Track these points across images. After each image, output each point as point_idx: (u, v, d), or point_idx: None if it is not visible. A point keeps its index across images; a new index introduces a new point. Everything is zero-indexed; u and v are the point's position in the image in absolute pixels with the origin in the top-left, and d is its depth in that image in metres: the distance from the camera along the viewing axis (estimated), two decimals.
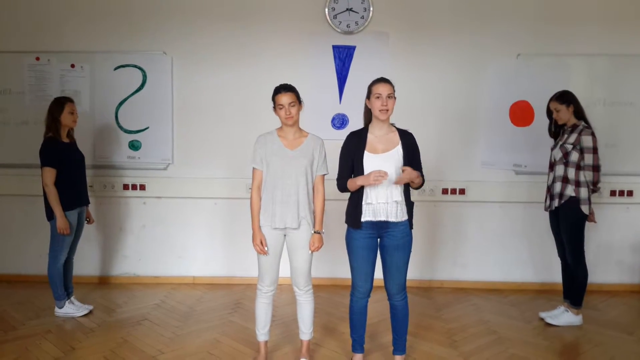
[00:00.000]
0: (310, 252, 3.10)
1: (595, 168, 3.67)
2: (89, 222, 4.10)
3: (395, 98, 2.99)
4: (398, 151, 2.98)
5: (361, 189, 2.98)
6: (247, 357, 3.33)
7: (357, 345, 3.21)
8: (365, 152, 2.97)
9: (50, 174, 3.72)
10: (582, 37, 4.42)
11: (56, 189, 3.73)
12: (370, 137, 3.01)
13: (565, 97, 3.75)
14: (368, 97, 3.01)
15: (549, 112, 3.84)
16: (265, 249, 3.06)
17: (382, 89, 2.94)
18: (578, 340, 3.63)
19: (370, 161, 2.95)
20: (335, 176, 3.07)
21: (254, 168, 3.11)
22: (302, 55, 4.49)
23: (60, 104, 3.81)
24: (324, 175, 3.15)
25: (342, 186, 3.06)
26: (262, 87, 4.50)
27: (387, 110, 2.94)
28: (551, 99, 3.81)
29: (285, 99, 3.00)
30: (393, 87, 2.98)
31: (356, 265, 3.05)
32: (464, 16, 4.45)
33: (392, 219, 2.96)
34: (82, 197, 3.98)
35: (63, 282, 3.92)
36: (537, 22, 4.44)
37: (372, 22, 4.45)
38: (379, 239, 3.04)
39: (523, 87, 4.46)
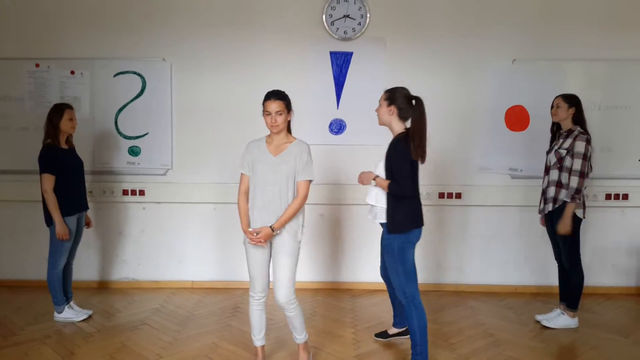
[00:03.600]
0: (290, 260, 3.03)
1: (581, 174, 3.64)
2: (87, 226, 4.13)
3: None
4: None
5: None
6: None
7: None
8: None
9: (49, 180, 3.75)
10: (578, 42, 4.46)
11: (55, 195, 3.76)
12: None
13: (570, 99, 3.77)
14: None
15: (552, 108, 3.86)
16: (255, 235, 3.00)
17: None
18: (574, 343, 3.66)
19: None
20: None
21: (241, 173, 3.15)
22: (300, 62, 4.53)
23: (59, 110, 3.84)
24: (308, 180, 3.06)
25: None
26: (261, 93, 4.45)
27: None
28: (559, 95, 3.83)
29: (273, 106, 3.01)
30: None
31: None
32: (459, 22, 4.50)
33: (375, 219, 3.24)
34: (81, 203, 4.00)
35: (62, 287, 3.94)
36: (532, 28, 4.48)
37: (369, 29, 4.49)
38: None
39: (519, 92, 4.50)
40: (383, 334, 3.68)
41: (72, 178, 3.89)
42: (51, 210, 3.76)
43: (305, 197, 3.05)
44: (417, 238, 3.17)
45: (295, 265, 3.09)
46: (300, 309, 3.15)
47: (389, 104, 3.16)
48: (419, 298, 3.14)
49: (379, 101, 3.24)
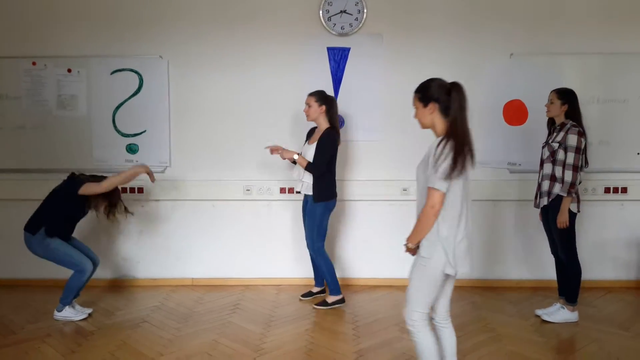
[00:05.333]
0: (411, 276, 2.64)
1: (574, 168, 3.63)
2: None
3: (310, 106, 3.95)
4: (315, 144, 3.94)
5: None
6: (246, 357, 3.35)
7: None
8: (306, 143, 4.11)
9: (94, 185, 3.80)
10: (575, 36, 4.45)
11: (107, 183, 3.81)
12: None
13: (564, 95, 3.76)
14: None
15: None
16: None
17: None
18: (574, 337, 3.67)
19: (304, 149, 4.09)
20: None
21: None
22: (297, 58, 4.51)
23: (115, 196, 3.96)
24: (431, 188, 2.44)
25: None
26: (258, 89, 4.54)
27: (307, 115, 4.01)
28: (554, 90, 3.82)
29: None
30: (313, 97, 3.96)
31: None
32: (457, 17, 4.49)
33: (303, 191, 4.10)
34: (70, 234, 4.04)
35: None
36: (530, 22, 4.47)
37: (366, 24, 4.48)
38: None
39: (516, 86, 4.49)
40: (308, 294, 4.36)
41: (79, 215, 3.96)
42: (116, 180, 3.82)
43: (429, 208, 2.44)
44: (334, 206, 4.11)
45: (414, 285, 2.60)
46: (422, 344, 2.63)
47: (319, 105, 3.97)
48: (323, 249, 4.11)
49: (308, 103, 4.00)
